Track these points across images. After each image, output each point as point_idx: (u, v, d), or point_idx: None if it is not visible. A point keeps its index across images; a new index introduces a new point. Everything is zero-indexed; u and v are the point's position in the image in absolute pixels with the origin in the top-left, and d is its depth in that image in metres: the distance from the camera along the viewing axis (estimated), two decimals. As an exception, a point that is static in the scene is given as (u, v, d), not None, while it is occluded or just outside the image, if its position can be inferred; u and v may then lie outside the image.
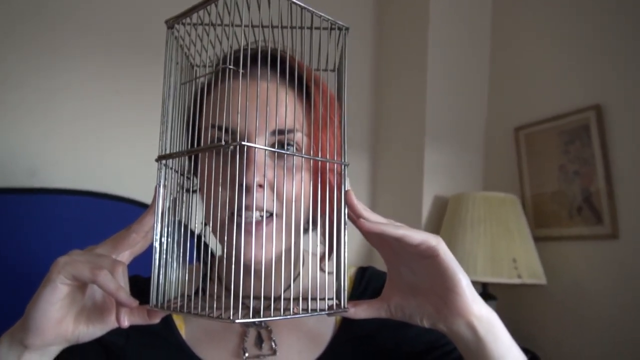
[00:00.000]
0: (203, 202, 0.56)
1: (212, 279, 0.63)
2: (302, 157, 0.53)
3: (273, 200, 0.52)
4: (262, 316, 0.47)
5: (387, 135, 1.93)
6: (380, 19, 2.01)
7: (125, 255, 0.52)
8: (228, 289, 0.46)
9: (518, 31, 1.78)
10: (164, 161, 0.51)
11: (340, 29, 0.53)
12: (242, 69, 0.47)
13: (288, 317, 0.49)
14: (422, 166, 1.72)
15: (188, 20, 0.50)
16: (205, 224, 0.57)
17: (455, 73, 1.80)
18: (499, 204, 1.53)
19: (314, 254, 0.61)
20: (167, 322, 0.63)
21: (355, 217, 0.51)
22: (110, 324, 0.51)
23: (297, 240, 0.58)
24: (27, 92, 1.40)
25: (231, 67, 0.50)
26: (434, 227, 1.70)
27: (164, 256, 0.50)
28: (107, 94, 1.49)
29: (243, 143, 0.46)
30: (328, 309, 0.51)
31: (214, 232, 0.54)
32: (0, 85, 1.37)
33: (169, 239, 0.51)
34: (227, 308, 0.45)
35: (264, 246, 0.51)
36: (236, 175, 0.48)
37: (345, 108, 0.53)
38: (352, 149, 1.91)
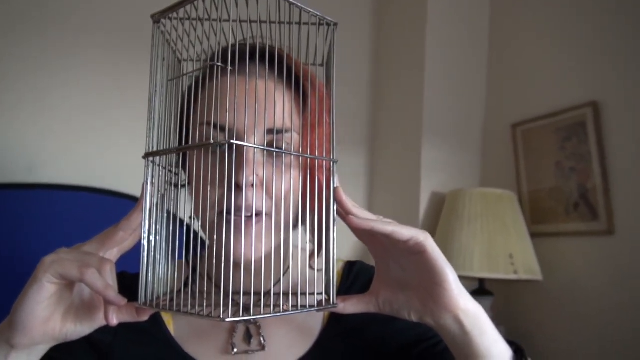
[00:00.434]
0: (192, 199, 0.55)
1: (201, 275, 0.62)
2: (292, 154, 0.52)
3: (264, 199, 0.51)
4: (251, 313, 0.47)
5: (385, 132, 1.93)
6: (379, 17, 2.01)
7: (114, 253, 0.52)
8: (217, 286, 0.45)
9: (516, 28, 1.77)
10: (151, 158, 0.51)
11: (328, 24, 0.52)
12: (232, 65, 0.47)
13: (278, 314, 0.48)
14: (420, 163, 1.72)
15: (175, 15, 0.50)
16: (194, 219, 0.57)
17: (453, 70, 1.80)
18: (496, 200, 1.54)
19: (303, 249, 0.61)
20: (156, 318, 0.62)
21: (344, 214, 0.51)
22: (98, 321, 0.50)
23: (287, 237, 0.58)
24: (25, 90, 1.41)
25: (219, 64, 0.49)
26: (432, 223, 1.70)
27: (152, 253, 0.50)
28: (105, 91, 1.50)
29: (232, 141, 0.46)
30: (317, 305, 0.51)
31: (204, 229, 0.54)
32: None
33: (157, 237, 0.51)
34: (217, 305, 0.45)
35: (253, 245, 0.50)
36: (232, 174, 0.48)
37: (333, 103, 0.53)
38: (350, 145, 1.92)
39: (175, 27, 0.51)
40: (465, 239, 1.49)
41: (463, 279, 1.51)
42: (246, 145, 0.48)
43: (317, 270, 0.54)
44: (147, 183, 0.50)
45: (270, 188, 0.53)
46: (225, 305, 0.44)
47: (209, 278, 0.61)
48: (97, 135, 1.48)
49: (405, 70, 1.85)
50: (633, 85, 1.38)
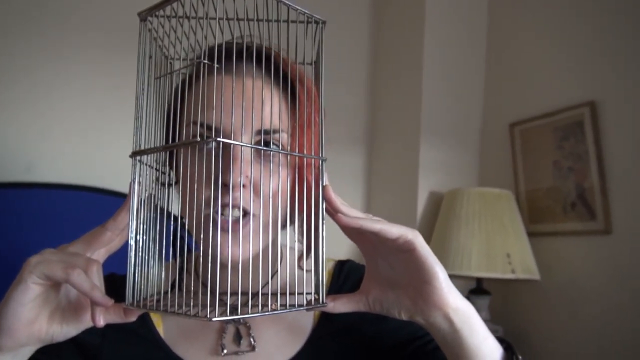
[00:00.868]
0: (179, 198, 0.55)
1: (190, 275, 0.62)
2: (280, 152, 0.52)
3: (251, 199, 0.51)
4: (239, 313, 0.46)
5: (383, 132, 1.93)
6: (377, 16, 2.01)
7: (101, 253, 0.51)
8: (205, 285, 0.45)
9: (514, 28, 1.77)
10: (138, 157, 0.50)
11: (317, 22, 0.52)
12: (219, 63, 0.46)
13: (266, 313, 0.48)
14: (418, 162, 1.72)
15: (161, 12, 0.49)
16: (182, 218, 0.56)
17: (451, 70, 1.80)
18: (493, 199, 1.53)
19: (292, 249, 0.60)
20: (145, 320, 0.62)
21: (333, 212, 0.51)
22: (85, 322, 0.50)
23: (276, 237, 0.57)
24: (24, 90, 1.41)
25: (207, 62, 0.48)
26: (429, 222, 1.70)
27: (140, 253, 0.50)
28: (103, 90, 1.50)
29: (219, 139, 0.45)
30: (307, 304, 0.51)
31: (191, 229, 0.54)
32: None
33: (144, 236, 0.50)
34: (204, 305, 0.44)
35: (240, 245, 0.50)
36: (219, 172, 0.48)
37: (322, 101, 0.52)
38: (348, 145, 1.91)
39: (162, 24, 0.50)
40: (462, 238, 1.49)
41: (460, 278, 1.53)
42: (234, 144, 0.47)
43: (307, 270, 0.53)
44: (134, 182, 0.50)
45: (258, 188, 0.52)
46: (213, 305, 0.44)
47: (198, 278, 0.61)
48: (95, 134, 1.48)
49: (404, 70, 1.85)
50: (630, 85, 1.38)
